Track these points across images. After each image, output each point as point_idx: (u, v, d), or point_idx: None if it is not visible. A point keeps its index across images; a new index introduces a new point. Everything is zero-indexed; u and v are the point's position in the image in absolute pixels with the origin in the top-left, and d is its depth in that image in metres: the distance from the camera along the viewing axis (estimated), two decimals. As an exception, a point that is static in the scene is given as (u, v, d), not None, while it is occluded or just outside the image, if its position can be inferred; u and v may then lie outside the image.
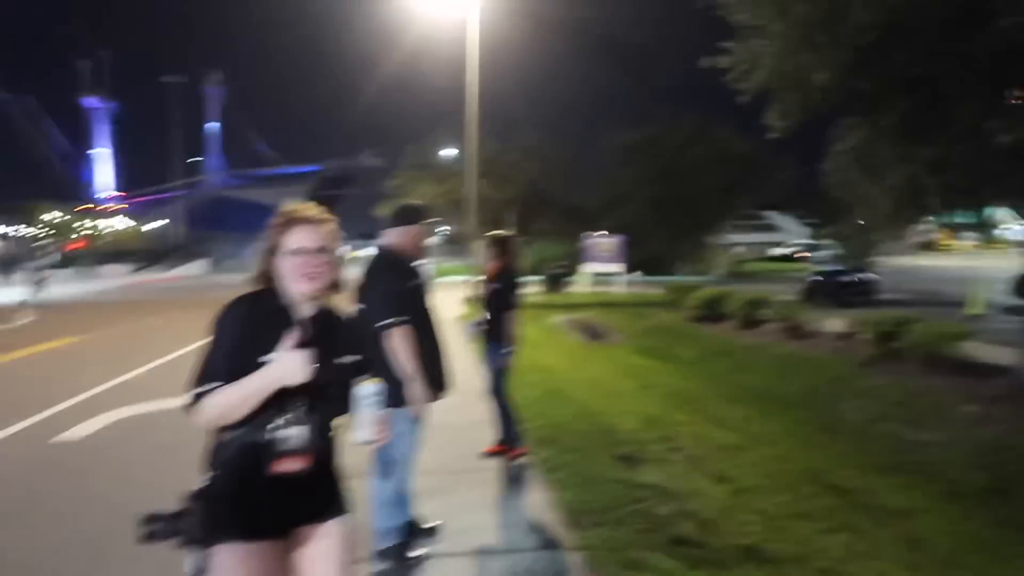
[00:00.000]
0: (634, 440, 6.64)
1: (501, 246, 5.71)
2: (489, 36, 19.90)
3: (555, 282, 24.42)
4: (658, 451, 6.34)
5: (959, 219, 29.99)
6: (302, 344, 2.14)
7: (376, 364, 3.49)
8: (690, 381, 11.83)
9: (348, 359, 2.30)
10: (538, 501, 4.87)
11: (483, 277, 5.86)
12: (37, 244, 54.58)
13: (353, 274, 2.97)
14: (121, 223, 68.58)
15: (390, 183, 36.63)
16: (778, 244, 44.73)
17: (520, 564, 3.97)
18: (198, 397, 2.08)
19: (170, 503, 2.11)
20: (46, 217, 58.74)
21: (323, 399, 2.19)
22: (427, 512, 4.62)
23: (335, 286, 2.29)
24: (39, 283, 23.80)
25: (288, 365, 2.07)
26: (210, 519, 2.08)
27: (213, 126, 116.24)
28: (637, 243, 29.75)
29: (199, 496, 2.12)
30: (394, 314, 3.68)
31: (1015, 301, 16.80)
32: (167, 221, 72.00)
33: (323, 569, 2.21)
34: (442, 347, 4.06)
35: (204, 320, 2.24)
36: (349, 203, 68.60)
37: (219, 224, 72.68)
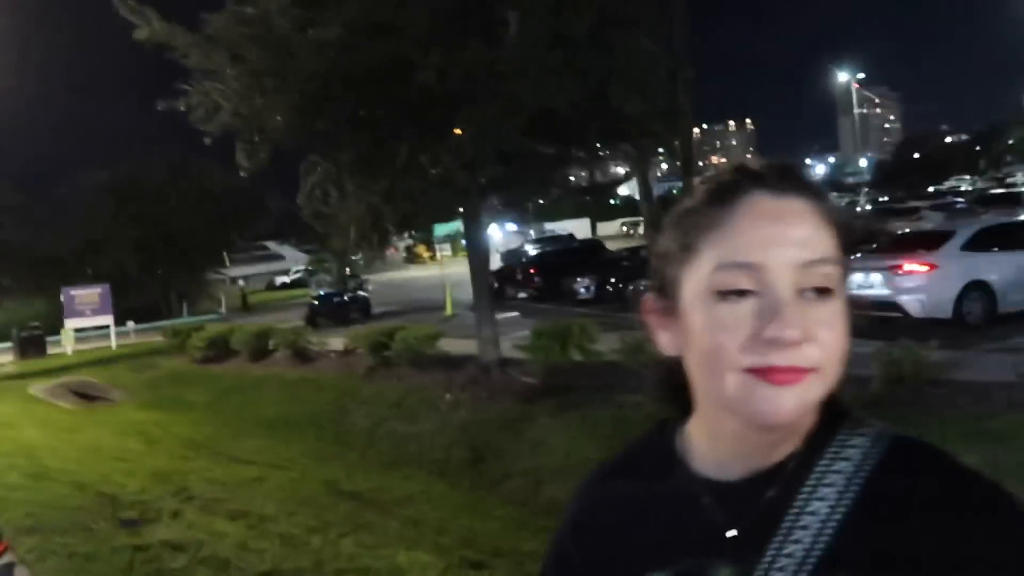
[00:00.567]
0: (141, 501, 6.25)
1: None
2: None
3: (30, 346, 20.98)
4: (169, 505, 6.09)
5: (437, 232, 34.58)
6: None
7: None
8: (202, 426, 11.52)
9: None
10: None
11: None
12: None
13: None
14: None
15: None
16: (283, 272, 45.55)
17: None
18: None
19: None
20: None
21: None
22: None
23: None
24: None
25: None
26: None
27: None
28: (126, 290, 27.29)
29: None
30: None
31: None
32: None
33: None
34: None
35: None
36: None
37: None
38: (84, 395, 15.47)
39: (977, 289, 9.02)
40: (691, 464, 0.75)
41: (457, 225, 19.82)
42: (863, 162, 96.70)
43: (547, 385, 8.58)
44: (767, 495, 0.69)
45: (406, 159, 7.61)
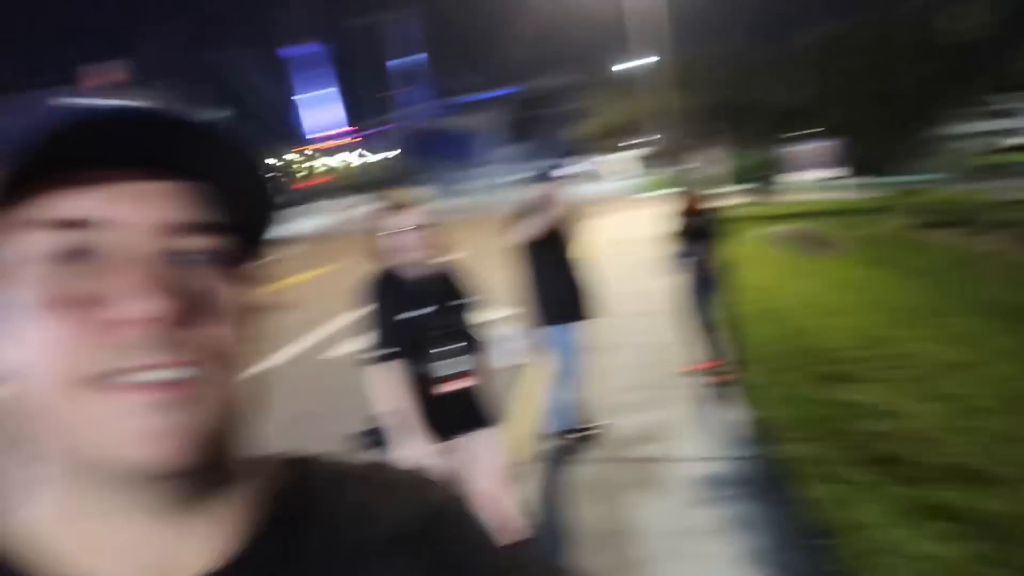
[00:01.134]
0: (850, 359, 6.54)
1: (692, 197, 6.08)
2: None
3: (764, 192, 23.29)
4: (875, 370, 6.22)
5: None
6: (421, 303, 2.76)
7: (532, 287, 4.56)
8: (918, 294, 11.10)
9: (462, 302, 2.89)
10: (738, 418, 5.09)
11: (682, 211, 6.08)
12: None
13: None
14: (347, 158, 73.75)
15: (584, 101, 36.43)
16: (1014, 132, 38.18)
17: (714, 472, 4.26)
18: (379, 359, 2.71)
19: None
20: (270, 161, 64.97)
21: (458, 337, 2.79)
22: (625, 426, 5.04)
23: (436, 251, 2.84)
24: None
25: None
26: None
27: (418, 58, 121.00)
28: (853, 144, 27.31)
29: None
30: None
31: None
32: (398, 151, 76.50)
33: (480, 466, 2.90)
34: (577, 279, 4.74)
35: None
36: (549, 123, 69.01)
37: (432, 152, 76.17)
38: (808, 243, 16.60)
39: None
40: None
41: None
42: None
43: None
44: None
45: None
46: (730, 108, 30.90)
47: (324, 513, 0.54)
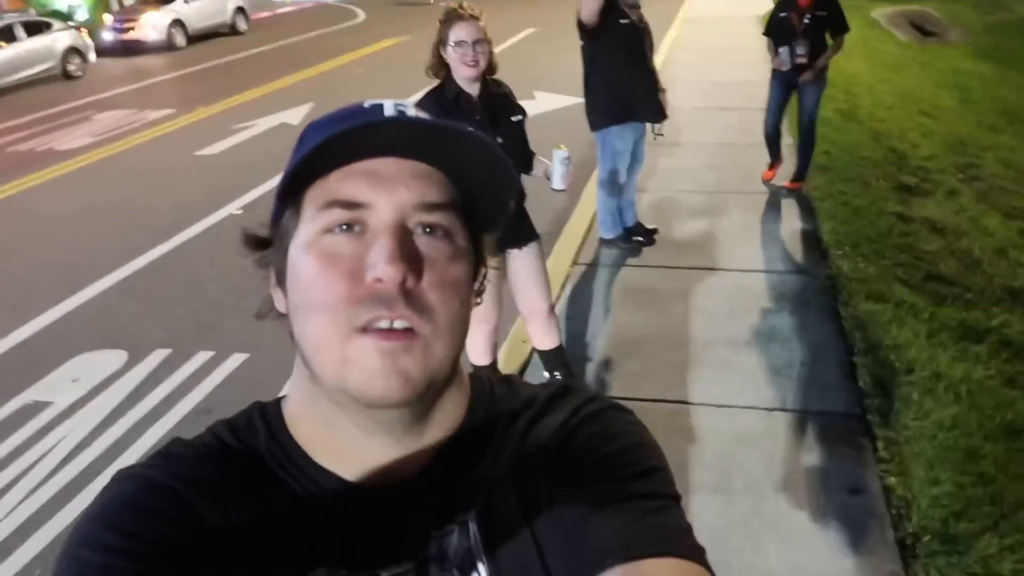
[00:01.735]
0: (926, 168, 6.32)
1: None
2: None
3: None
4: (950, 182, 6.02)
5: None
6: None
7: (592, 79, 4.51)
8: (1029, 94, 10.26)
9: (517, 117, 2.97)
10: (800, 229, 5.12)
11: (799, 3, 5.31)
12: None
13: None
14: None
15: None
16: None
17: (764, 284, 4.42)
18: None
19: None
20: None
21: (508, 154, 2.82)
22: (680, 231, 5.16)
23: (491, 69, 2.87)
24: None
25: None
26: None
27: None
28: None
29: None
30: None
31: None
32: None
33: (526, 276, 3.14)
34: (653, 78, 4.59)
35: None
36: None
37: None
38: (921, 28, 15.14)
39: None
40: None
41: None
42: None
43: None
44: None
45: None
46: None
47: (500, 430, 0.69)
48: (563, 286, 4.54)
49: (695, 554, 0.59)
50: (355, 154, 0.61)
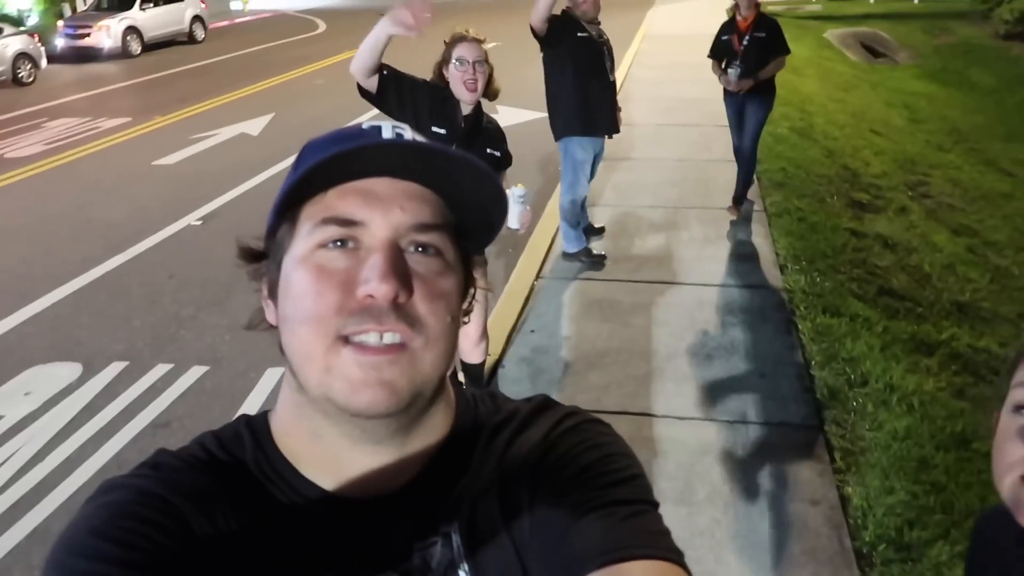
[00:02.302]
0: (877, 186, 6.52)
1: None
2: None
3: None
4: (900, 199, 6.22)
5: None
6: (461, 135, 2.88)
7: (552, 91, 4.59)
8: (973, 115, 10.68)
9: (495, 151, 3.00)
10: (756, 244, 5.23)
11: (733, 21, 5.35)
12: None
13: None
14: None
15: None
16: None
17: (721, 298, 4.50)
18: None
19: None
20: None
21: None
22: (639, 246, 5.23)
23: (491, 93, 2.94)
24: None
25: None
26: None
27: None
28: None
29: None
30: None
31: None
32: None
33: None
34: (612, 92, 4.71)
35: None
36: None
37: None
38: (871, 49, 15.64)
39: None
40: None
41: None
42: None
43: None
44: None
45: None
46: None
47: (483, 444, 0.70)
48: (527, 300, 4.56)
49: (674, 556, 0.61)
50: (352, 173, 0.62)
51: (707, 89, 9.91)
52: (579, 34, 4.44)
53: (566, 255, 5.04)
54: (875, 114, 9.85)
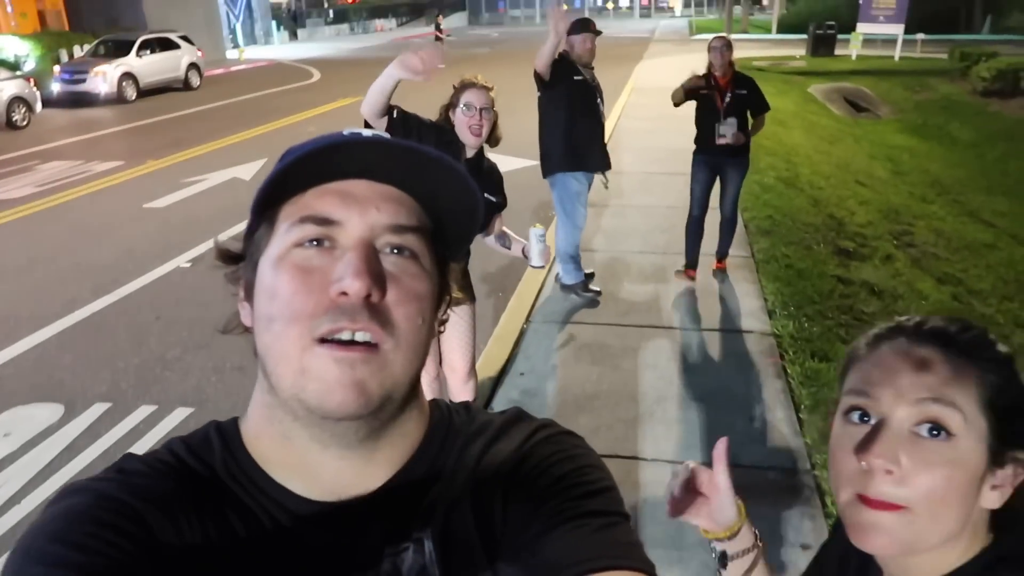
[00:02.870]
0: (863, 234, 6.60)
1: (729, 47, 5.01)
2: None
3: (821, 43, 22.05)
4: (886, 247, 6.29)
5: None
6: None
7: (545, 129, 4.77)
8: (954, 168, 10.90)
9: (491, 197, 3.05)
10: (744, 290, 5.26)
11: (714, 84, 5.02)
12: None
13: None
14: None
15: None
16: None
17: (710, 343, 4.51)
18: None
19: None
20: None
21: None
22: (627, 290, 5.26)
23: (494, 139, 3.02)
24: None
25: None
26: None
27: None
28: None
29: None
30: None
31: None
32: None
33: (453, 337, 3.15)
34: (602, 132, 4.90)
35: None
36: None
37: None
38: (854, 104, 16.00)
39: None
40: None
41: None
42: None
43: None
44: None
45: None
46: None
47: (457, 452, 0.70)
48: (517, 342, 4.55)
49: (646, 567, 0.61)
50: (332, 174, 0.63)
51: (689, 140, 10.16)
52: (575, 77, 4.68)
53: (564, 287, 5.11)
54: (859, 166, 10.02)
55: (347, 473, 0.64)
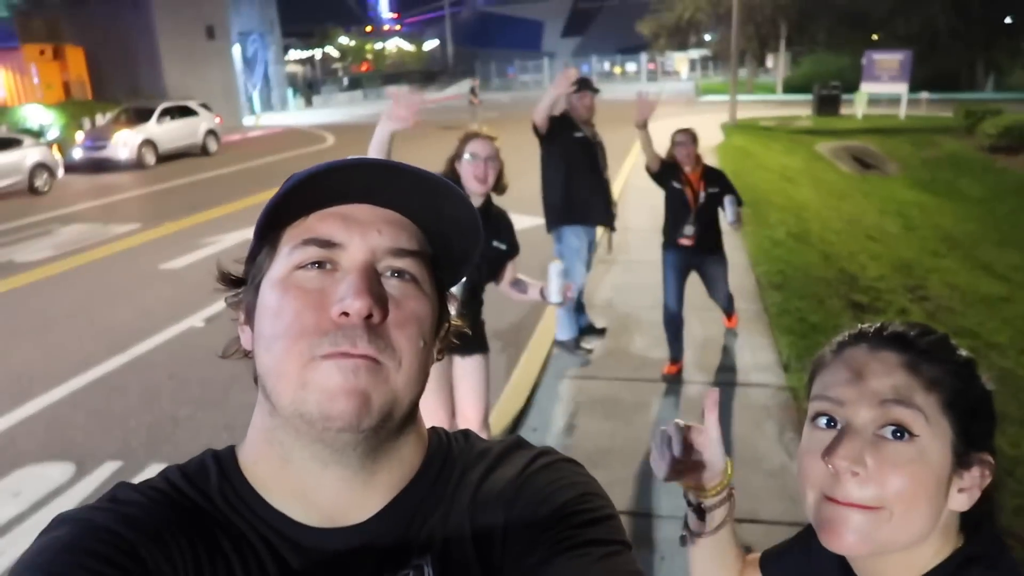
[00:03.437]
0: (876, 288, 6.57)
1: (695, 140, 4.79)
2: None
3: (826, 103, 22.40)
4: (900, 301, 6.26)
5: None
6: None
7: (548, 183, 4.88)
8: (965, 223, 10.90)
9: (500, 244, 3.06)
10: (757, 343, 5.23)
11: (685, 179, 4.76)
12: (332, 68, 59.72)
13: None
14: (396, 44, 70.99)
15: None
16: None
17: (727, 396, 4.46)
18: None
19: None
20: (341, 40, 61.73)
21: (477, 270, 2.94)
22: (637, 344, 5.23)
23: (500, 187, 3.04)
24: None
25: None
26: None
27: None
28: (930, 54, 25.86)
29: None
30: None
31: None
32: (437, 42, 74.19)
33: (466, 386, 3.12)
34: (606, 187, 5.06)
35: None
36: (610, 15, 66.20)
37: (483, 41, 73.92)
38: (861, 161, 16.14)
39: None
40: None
41: None
42: None
43: None
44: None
45: None
46: (801, 8, 29.38)
47: (456, 478, 0.70)
48: (530, 397, 4.52)
49: None
50: (334, 198, 0.64)
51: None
52: (575, 134, 4.81)
53: (557, 342, 5.09)
54: (869, 221, 10.05)
55: (345, 496, 0.64)
